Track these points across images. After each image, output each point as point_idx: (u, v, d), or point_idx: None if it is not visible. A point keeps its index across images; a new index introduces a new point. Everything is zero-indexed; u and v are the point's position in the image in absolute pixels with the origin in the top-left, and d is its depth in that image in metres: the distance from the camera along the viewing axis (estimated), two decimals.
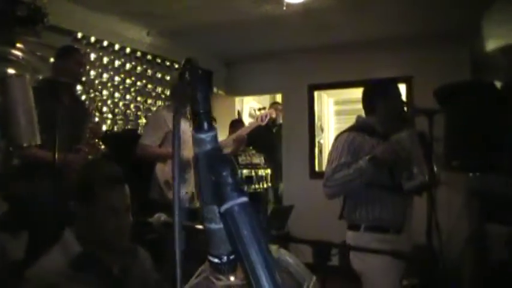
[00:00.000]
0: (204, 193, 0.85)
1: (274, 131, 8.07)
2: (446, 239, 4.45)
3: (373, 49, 7.22)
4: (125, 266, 2.18)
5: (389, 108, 3.63)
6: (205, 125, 0.83)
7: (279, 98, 9.20)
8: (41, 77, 4.07)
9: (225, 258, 0.87)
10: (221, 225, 0.81)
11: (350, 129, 3.68)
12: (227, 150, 5.19)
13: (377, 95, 3.69)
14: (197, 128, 0.84)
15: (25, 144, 3.51)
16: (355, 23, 6.56)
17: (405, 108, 3.79)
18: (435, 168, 3.66)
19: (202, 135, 0.83)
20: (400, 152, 3.37)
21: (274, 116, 5.85)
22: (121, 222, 2.14)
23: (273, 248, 1.72)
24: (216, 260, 0.88)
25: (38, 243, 4.04)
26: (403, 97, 3.82)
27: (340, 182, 3.41)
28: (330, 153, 3.64)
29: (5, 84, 3.45)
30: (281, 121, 8.27)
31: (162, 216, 2.10)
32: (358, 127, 3.69)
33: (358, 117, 3.82)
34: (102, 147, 4.55)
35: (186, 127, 4.86)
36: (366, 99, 3.75)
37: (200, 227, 1.85)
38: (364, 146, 3.50)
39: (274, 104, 8.57)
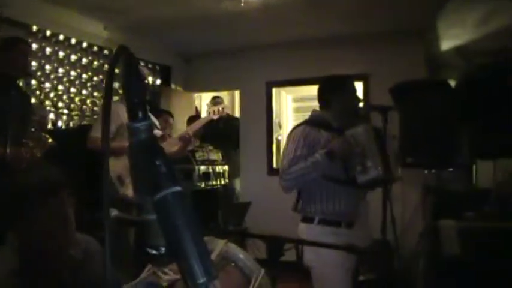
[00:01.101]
0: (139, 183, 0.85)
1: (221, 125, 7.90)
2: (401, 234, 4.52)
3: (331, 46, 7.28)
4: (75, 268, 2.07)
5: (344, 104, 3.65)
6: (140, 114, 0.83)
7: (237, 94, 9.20)
8: None
9: (163, 250, 0.86)
10: None
11: (305, 123, 3.70)
12: (173, 149, 5.13)
13: (332, 90, 3.72)
14: (132, 117, 0.83)
15: None
16: (312, 20, 6.60)
17: (360, 104, 3.82)
18: (394, 164, 3.71)
19: (137, 125, 0.83)
20: (355, 146, 3.42)
21: (226, 110, 5.80)
22: (60, 233, 1.97)
23: (222, 242, 1.73)
24: (154, 252, 0.87)
25: None
26: (358, 93, 3.85)
27: (296, 174, 3.43)
28: (286, 146, 3.66)
29: None
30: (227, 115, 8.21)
31: (113, 212, 2.06)
32: (313, 121, 3.72)
33: (313, 111, 3.85)
34: (50, 140, 4.45)
35: None
36: (321, 94, 3.77)
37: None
38: (320, 140, 3.53)
39: (215, 99, 8.42)
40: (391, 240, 4.02)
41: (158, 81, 7.95)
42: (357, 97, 3.76)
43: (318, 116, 3.75)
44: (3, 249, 2.00)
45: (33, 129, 4.24)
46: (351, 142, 3.43)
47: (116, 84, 7.05)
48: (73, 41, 6.45)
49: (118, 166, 4.73)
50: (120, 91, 7.17)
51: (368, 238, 3.69)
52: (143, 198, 0.84)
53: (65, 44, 6.39)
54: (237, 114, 8.77)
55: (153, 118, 5.13)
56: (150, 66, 7.79)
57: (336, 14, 6.29)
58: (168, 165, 0.80)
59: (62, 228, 1.97)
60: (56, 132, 5.58)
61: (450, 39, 5.76)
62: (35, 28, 5.86)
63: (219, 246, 1.68)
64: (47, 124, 4.58)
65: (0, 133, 3.86)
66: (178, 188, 0.79)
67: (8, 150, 3.88)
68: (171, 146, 5.09)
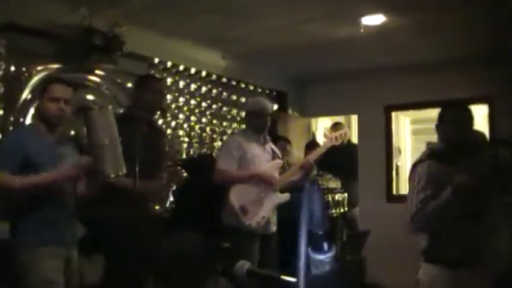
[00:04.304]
0: None
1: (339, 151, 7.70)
2: None
3: (451, 68, 6.99)
4: None
5: (452, 135, 3.47)
6: (325, 246, 0.77)
7: (353, 118, 9.09)
8: (121, 111, 4.08)
9: None
10: None
11: (426, 158, 3.52)
12: (294, 178, 5.08)
13: (441, 121, 3.54)
14: (315, 248, 0.77)
15: (112, 176, 3.55)
16: (431, 43, 6.41)
17: (472, 133, 3.57)
18: None
19: (322, 257, 0.77)
20: (479, 177, 3.21)
21: (348, 135, 5.62)
22: None
23: None
24: None
25: (114, 268, 4.11)
26: (470, 120, 3.51)
27: (429, 216, 3.28)
28: (412, 186, 3.48)
29: (90, 118, 3.50)
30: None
31: (246, 264, 2.02)
32: (431, 154, 3.54)
33: (428, 144, 3.70)
34: (184, 174, 4.53)
35: (258, 151, 4.86)
36: (436, 125, 3.61)
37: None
38: (443, 174, 3.33)
39: (337, 125, 8.30)
40: None
41: (275, 107, 7.98)
42: (465, 126, 3.48)
43: (437, 149, 3.58)
44: None
45: (168, 163, 4.32)
46: (475, 174, 3.23)
47: (234, 112, 7.16)
48: (192, 70, 6.62)
49: (242, 196, 4.76)
50: (238, 118, 7.27)
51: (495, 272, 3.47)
52: None
53: (185, 74, 6.56)
54: (354, 139, 8.59)
55: (273, 146, 5.13)
56: (267, 92, 7.85)
57: (454, 36, 6.08)
58: None
59: None
60: (185, 163, 5.69)
61: None
62: (156, 60, 6.05)
63: None
64: (180, 158, 4.66)
65: (132, 167, 3.97)
66: None
67: (136, 183, 3.99)
68: (291, 175, 5.06)
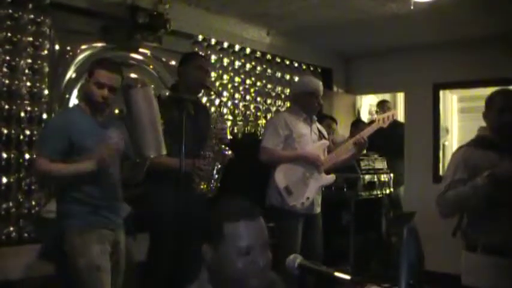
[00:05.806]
0: None
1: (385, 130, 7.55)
2: None
3: (503, 46, 6.71)
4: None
5: (495, 120, 3.32)
6: None
7: (399, 96, 8.91)
8: (167, 93, 4.01)
9: None
10: None
11: (468, 144, 3.42)
12: (346, 156, 4.96)
13: (486, 106, 3.39)
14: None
15: (152, 156, 3.50)
16: (483, 20, 6.18)
17: None
18: None
19: None
20: None
21: (396, 117, 5.46)
22: (252, 260, 1.89)
23: None
24: None
25: (159, 246, 4.10)
26: None
27: (453, 200, 3.21)
28: (447, 169, 3.45)
29: (130, 96, 3.44)
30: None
31: (298, 258, 1.97)
32: (477, 141, 3.43)
33: (480, 129, 3.56)
34: (230, 152, 4.45)
35: (305, 131, 4.76)
36: (483, 112, 3.45)
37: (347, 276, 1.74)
38: (483, 162, 3.19)
39: (383, 103, 8.17)
40: None
41: None
42: (508, 112, 3.28)
43: (484, 135, 3.45)
44: None
45: (214, 141, 4.24)
46: None
47: (279, 89, 7.07)
48: (237, 47, 6.54)
49: (286, 176, 4.70)
50: (282, 95, 7.17)
51: None
52: None
53: (229, 51, 6.48)
54: (400, 117, 8.41)
55: (319, 126, 5.04)
56: (311, 69, 7.73)
57: (508, 12, 5.82)
58: None
59: (251, 258, 1.91)
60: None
61: None
62: (200, 37, 5.99)
63: None
64: (226, 136, 4.59)
65: (179, 147, 3.92)
66: None
67: (182, 163, 3.95)
68: (344, 152, 4.95)
